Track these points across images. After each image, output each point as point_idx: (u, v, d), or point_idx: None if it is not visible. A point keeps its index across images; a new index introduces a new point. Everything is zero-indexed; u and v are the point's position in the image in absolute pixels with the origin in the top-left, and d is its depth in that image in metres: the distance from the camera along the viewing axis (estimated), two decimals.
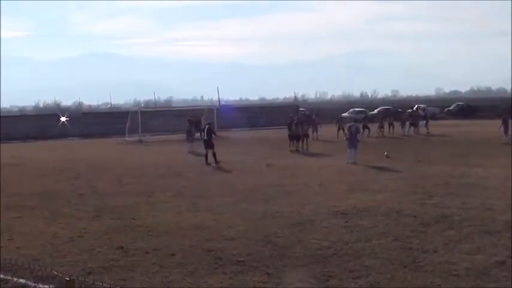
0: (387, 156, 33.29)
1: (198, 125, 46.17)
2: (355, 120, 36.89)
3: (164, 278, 11.89)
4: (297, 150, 39.70)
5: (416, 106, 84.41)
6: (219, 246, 14.04)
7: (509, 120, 41.71)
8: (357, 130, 34.37)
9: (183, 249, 13.88)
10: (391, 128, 54.20)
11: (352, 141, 33.18)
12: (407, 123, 54.60)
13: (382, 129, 52.79)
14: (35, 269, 10.07)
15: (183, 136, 46.74)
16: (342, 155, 34.67)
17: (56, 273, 8.84)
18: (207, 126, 35.43)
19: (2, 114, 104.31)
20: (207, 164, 32.99)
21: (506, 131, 41.08)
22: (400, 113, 60.81)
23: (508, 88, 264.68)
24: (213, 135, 34.63)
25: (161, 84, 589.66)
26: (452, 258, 12.61)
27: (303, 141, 40.73)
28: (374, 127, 53.28)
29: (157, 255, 13.50)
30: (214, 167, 31.83)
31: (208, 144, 33.88)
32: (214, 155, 33.36)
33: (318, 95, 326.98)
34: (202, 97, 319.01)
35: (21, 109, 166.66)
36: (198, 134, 45.35)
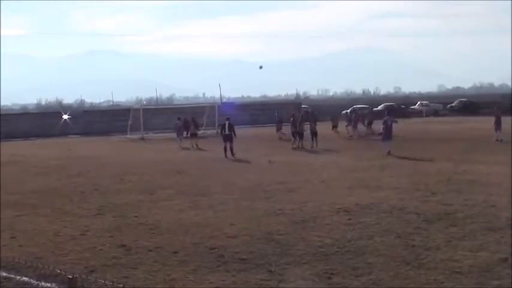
0: (389, 153, 33.26)
1: (196, 123, 47.27)
2: (388, 114, 37.56)
3: (167, 275, 11.88)
4: (299, 147, 39.62)
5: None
6: (221, 244, 14.03)
7: (501, 117, 41.42)
8: (392, 123, 35.33)
9: (185, 247, 13.87)
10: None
11: (388, 133, 34.84)
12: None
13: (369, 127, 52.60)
14: (37, 267, 10.08)
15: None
16: (343, 152, 34.76)
17: (58, 271, 8.86)
18: (227, 122, 37.52)
19: (4, 112, 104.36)
20: (227, 157, 35.29)
21: (498, 128, 40.74)
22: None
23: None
24: (233, 131, 37.09)
25: (163, 81, 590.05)
26: (455, 255, 12.59)
27: (312, 139, 40.49)
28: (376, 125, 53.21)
29: (159, 253, 13.50)
30: (217, 165, 31.84)
31: (228, 139, 36.43)
32: (231, 148, 35.87)
33: (320, 92, 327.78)
34: (204, 94, 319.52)
35: (23, 107, 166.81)
36: (185, 133, 46.74)
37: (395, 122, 38.09)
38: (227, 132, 36.78)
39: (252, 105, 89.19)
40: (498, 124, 40.67)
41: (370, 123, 53.47)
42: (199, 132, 53.78)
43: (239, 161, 33.37)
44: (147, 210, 18.69)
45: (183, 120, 48.21)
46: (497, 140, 39.07)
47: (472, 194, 19.71)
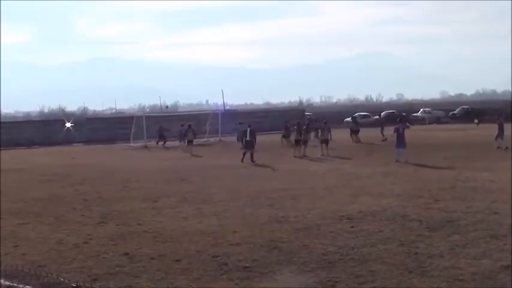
0: (398, 161, 33.16)
1: (193, 130, 49.25)
2: (400, 121, 37.57)
3: (170, 284, 11.88)
4: (304, 156, 39.54)
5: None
6: (224, 252, 14.03)
7: (504, 124, 41.29)
8: (404, 130, 35.28)
9: (188, 255, 13.87)
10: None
11: (400, 140, 34.63)
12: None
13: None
14: (40, 275, 10.07)
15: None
16: (346, 160, 34.78)
17: (62, 279, 8.85)
18: (249, 129, 38.68)
19: (7, 120, 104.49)
20: (243, 161, 36.25)
21: (500, 135, 40.59)
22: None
23: None
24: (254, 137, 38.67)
25: (166, 88, 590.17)
26: (458, 263, 12.59)
27: (324, 146, 40.94)
28: (377, 131, 53.21)
29: (162, 261, 13.49)
30: (220, 172, 31.82)
31: (250, 145, 37.72)
32: (251, 155, 36.93)
33: (323, 98, 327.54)
34: (207, 101, 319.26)
35: (26, 114, 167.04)
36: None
37: (408, 127, 38.15)
38: (248, 138, 38.00)
39: (255, 113, 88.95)
40: (501, 132, 40.50)
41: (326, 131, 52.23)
42: (203, 140, 54.89)
43: (242, 168, 33.39)
44: (151, 218, 18.69)
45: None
46: (498, 147, 38.92)
47: (475, 201, 19.72)
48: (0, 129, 64.40)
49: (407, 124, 39.53)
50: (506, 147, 38.26)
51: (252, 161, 36.42)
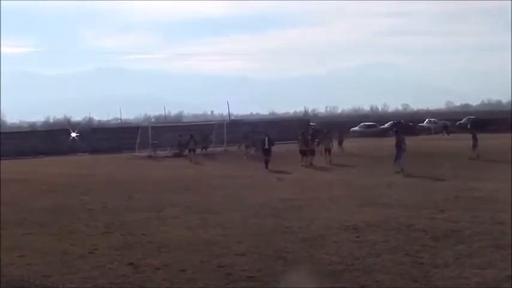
0: (398, 172, 33.07)
1: (195, 139, 50.33)
2: (399, 132, 37.81)
3: None
4: (311, 164, 39.67)
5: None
6: (229, 262, 14.02)
7: (477, 135, 42.21)
8: (402, 140, 35.29)
9: (193, 265, 13.86)
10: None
11: (399, 151, 34.88)
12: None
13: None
14: (46, 285, 10.10)
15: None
16: (351, 170, 34.72)
17: None
18: (267, 137, 40.94)
19: (12, 130, 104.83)
20: (267, 168, 38.19)
21: (474, 145, 41.19)
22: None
23: None
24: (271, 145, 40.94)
25: (172, 99, 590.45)
26: (463, 272, 12.56)
27: (326, 155, 41.83)
28: (382, 141, 53.13)
29: (167, 271, 13.48)
30: (225, 182, 31.80)
31: (268, 153, 39.98)
32: (267, 162, 39.09)
33: (328, 109, 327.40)
34: (212, 112, 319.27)
35: (31, 124, 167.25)
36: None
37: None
38: (267, 147, 40.10)
39: (260, 123, 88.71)
40: (475, 142, 41.22)
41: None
42: (208, 149, 55.56)
43: (247, 178, 33.37)
44: (156, 228, 18.68)
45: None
46: (471, 158, 39.46)
47: (480, 211, 19.67)
48: (1, 140, 64.70)
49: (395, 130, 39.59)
50: (475, 158, 39.20)
51: (267, 167, 38.10)
